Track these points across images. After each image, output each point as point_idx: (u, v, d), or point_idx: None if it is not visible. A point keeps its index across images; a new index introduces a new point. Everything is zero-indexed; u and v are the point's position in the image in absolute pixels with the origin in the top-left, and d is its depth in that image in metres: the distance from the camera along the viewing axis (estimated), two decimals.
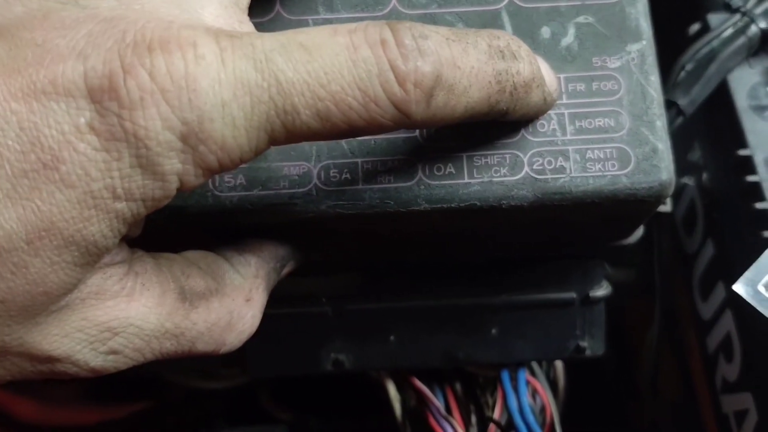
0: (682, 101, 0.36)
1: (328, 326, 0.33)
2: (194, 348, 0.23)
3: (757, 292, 0.29)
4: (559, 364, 0.38)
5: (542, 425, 0.36)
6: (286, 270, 0.27)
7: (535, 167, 0.24)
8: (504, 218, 0.25)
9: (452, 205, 0.24)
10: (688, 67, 0.36)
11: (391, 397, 0.35)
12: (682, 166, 0.40)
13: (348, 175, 0.24)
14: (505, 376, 0.34)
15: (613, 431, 0.43)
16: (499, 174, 0.24)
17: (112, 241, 0.20)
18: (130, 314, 0.22)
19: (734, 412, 0.34)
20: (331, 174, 0.24)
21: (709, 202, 0.37)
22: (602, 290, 0.33)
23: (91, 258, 0.20)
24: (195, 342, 0.23)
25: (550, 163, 0.24)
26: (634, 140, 0.24)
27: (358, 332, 0.33)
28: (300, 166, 0.24)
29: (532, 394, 0.36)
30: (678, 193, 0.41)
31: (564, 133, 0.24)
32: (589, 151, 0.24)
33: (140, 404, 0.56)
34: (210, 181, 0.24)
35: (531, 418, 0.32)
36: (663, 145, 0.24)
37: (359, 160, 0.24)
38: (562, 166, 0.24)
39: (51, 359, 0.21)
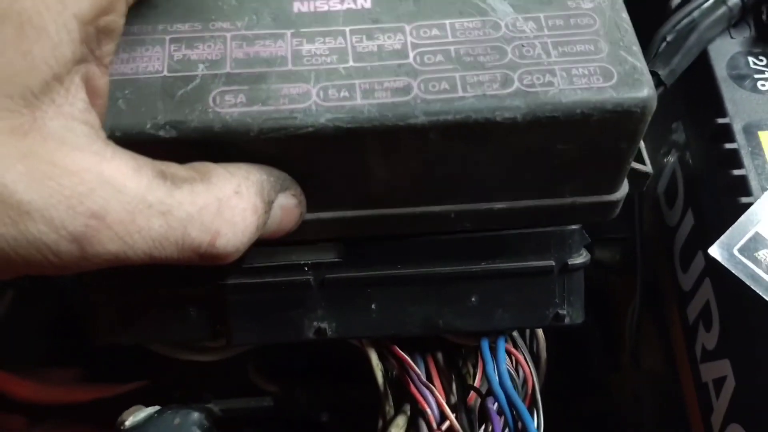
0: (663, 72, 0.36)
1: (310, 295, 0.34)
2: (187, 234, 0.23)
3: (732, 256, 0.30)
4: (541, 336, 0.39)
5: (524, 396, 0.36)
6: (284, 199, 0.27)
7: (525, 82, 0.26)
8: (497, 138, 0.26)
9: (448, 118, 0.25)
10: (669, 37, 0.37)
11: (373, 365, 0.36)
12: (663, 145, 0.40)
13: (346, 93, 0.26)
14: (485, 344, 0.34)
15: (595, 402, 0.43)
16: (491, 88, 0.26)
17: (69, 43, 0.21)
18: (104, 173, 0.21)
19: (713, 380, 0.35)
20: (330, 92, 0.26)
21: (689, 174, 0.38)
22: (581, 258, 0.33)
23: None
24: (186, 226, 0.23)
25: (539, 79, 0.26)
26: (614, 60, 0.26)
27: (340, 301, 0.34)
28: (299, 87, 0.26)
29: (514, 365, 0.37)
30: (660, 170, 0.42)
31: (549, 56, 0.26)
32: (574, 69, 0.26)
33: (132, 384, 0.56)
34: (211, 98, 0.26)
35: (509, 386, 0.32)
36: (641, 65, 0.26)
37: (357, 81, 0.26)
38: (551, 81, 0.26)
39: (23, 212, 0.20)
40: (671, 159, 0.39)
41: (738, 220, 0.31)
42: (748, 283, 0.30)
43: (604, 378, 0.43)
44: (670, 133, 0.39)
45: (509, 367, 0.36)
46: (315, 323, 0.34)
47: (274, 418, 0.43)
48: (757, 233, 0.31)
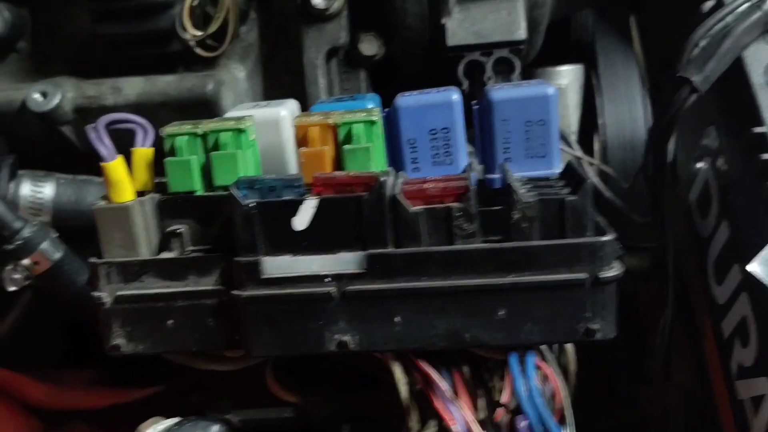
0: (696, 78, 0.35)
1: (331, 306, 0.33)
2: None
3: None
4: (570, 349, 0.37)
5: (552, 410, 0.35)
6: None
7: None
8: None
9: None
10: (702, 43, 0.35)
11: (397, 379, 0.34)
12: (695, 149, 0.39)
13: None
14: (514, 359, 0.33)
15: (624, 416, 0.42)
16: None
17: None
18: None
19: (751, 398, 0.33)
20: None
21: (723, 184, 0.36)
22: (613, 271, 0.32)
23: None
24: None
25: None
26: None
27: (363, 313, 0.33)
28: None
29: (542, 379, 0.36)
30: (692, 177, 0.40)
31: None
32: None
33: (148, 389, 0.56)
34: None
35: (540, 402, 0.31)
36: None
37: None
38: None
39: None
40: (704, 165, 0.38)
41: None
42: None
43: (633, 391, 0.42)
44: (702, 138, 0.38)
45: (537, 381, 0.35)
46: (337, 336, 0.33)
47: (294, 430, 0.42)
48: None
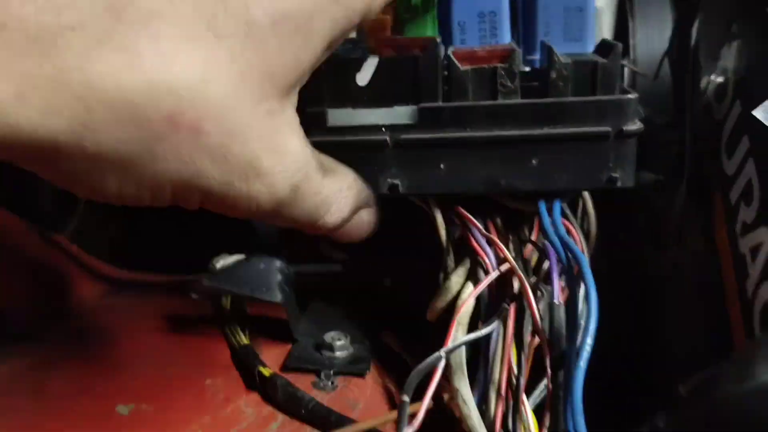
0: None
1: (385, 153, 0.37)
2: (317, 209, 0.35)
3: None
4: (591, 212, 0.42)
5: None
6: (365, 214, 0.39)
7: None
8: None
9: None
10: None
11: (438, 223, 0.39)
12: (720, 38, 0.43)
13: None
14: (542, 204, 0.38)
15: (636, 274, 0.46)
16: None
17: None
18: (308, 160, 0.33)
19: (750, 249, 0.37)
20: None
21: (740, 66, 0.40)
22: (635, 126, 0.36)
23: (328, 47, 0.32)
24: (323, 204, 0.35)
25: None
26: None
27: (412, 160, 0.38)
28: None
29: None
30: (714, 65, 0.44)
31: None
32: None
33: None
34: None
35: (564, 233, 0.36)
36: None
37: None
38: None
39: (256, 173, 0.30)
40: (726, 51, 0.41)
41: None
42: None
43: (647, 252, 0.46)
44: (727, 27, 0.41)
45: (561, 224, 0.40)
46: (389, 180, 0.38)
47: (341, 285, 0.47)
48: None
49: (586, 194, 0.42)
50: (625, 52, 0.61)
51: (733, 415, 0.22)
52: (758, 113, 0.33)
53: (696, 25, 0.42)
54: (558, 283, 0.34)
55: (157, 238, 0.62)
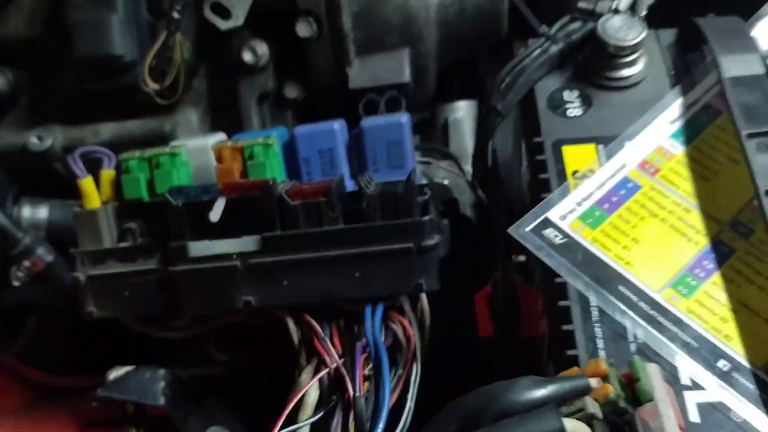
0: (500, 105, 0.48)
1: (238, 276, 0.46)
2: None
3: (525, 233, 0.41)
4: (426, 307, 0.50)
5: (409, 352, 0.47)
6: None
7: None
8: None
9: None
10: (507, 79, 0.49)
11: (290, 329, 0.47)
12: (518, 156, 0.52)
13: None
14: (368, 309, 0.46)
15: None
16: None
17: None
18: None
19: (543, 333, 0.45)
20: None
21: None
22: (433, 241, 0.45)
23: None
24: None
25: None
26: None
27: (260, 279, 0.46)
28: None
29: (402, 330, 0.48)
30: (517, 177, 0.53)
31: None
32: None
33: None
34: None
35: (379, 336, 0.44)
36: None
37: None
38: None
39: None
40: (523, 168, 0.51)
41: (533, 209, 0.42)
42: (535, 253, 0.41)
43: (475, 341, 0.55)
44: (520, 149, 0.51)
45: (397, 330, 0.48)
46: (243, 297, 0.46)
47: (229, 386, 0.55)
48: (546, 218, 0.42)
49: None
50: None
51: None
52: (511, 231, 0.42)
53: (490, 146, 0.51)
54: (360, 375, 0.42)
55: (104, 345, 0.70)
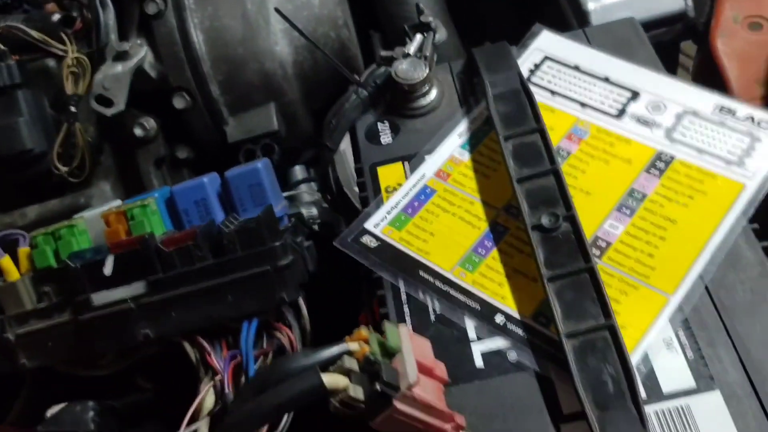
0: (329, 143, 0.59)
1: (135, 314, 0.56)
2: None
3: (347, 242, 0.52)
4: (305, 313, 0.60)
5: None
6: None
7: None
8: None
9: None
10: (333, 121, 0.60)
11: (187, 350, 0.57)
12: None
13: None
14: (245, 324, 0.56)
15: None
16: None
17: None
18: None
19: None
20: None
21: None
22: (286, 261, 0.55)
23: None
24: None
25: None
26: None
27: (152, 315, 0.56)
28: None
29: (287, 336, 0.58)
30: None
31: None
32: None
33: None
34: None
35: (251, 347, 0.54)
36: None
37: None
38: None
39: None
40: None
41: (353, 222, 0.53)
42: (355, 257, 0.51)
43: None
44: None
45: (282, 337, 0.58)
46: (141, 331, 0.56)
47: (161, 408, 0.65)
48: (363, 227, 0.53)
49: (300, 301, 0.60)
50: None
51: None
52: (336, 243, 0.52)
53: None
54: (228, 377, 0.52)
55: None
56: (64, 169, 0.71)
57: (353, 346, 0.39)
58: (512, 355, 0.46)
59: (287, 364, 0.37)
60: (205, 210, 0.61)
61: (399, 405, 0.35)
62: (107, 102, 0.68)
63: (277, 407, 0.35)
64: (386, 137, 0.57)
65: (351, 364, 0.37)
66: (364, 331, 0.39)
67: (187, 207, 0.61)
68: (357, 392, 0.36)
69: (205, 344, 0.57)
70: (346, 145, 0.85)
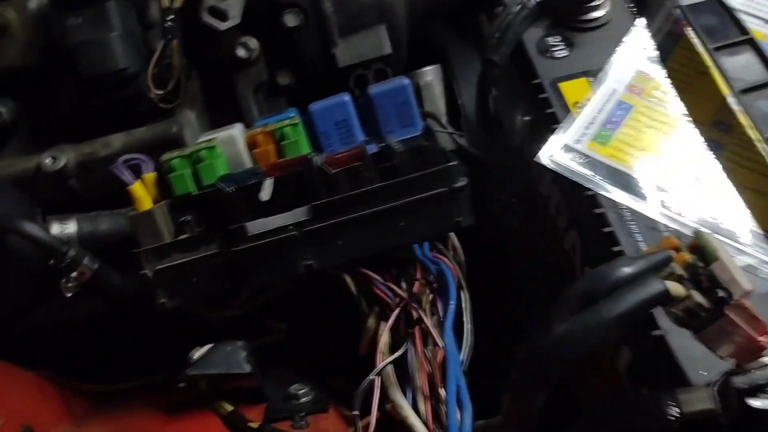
0: (496, 58, 0.55)
1: (297, 243, 0.51)
2: None
3: (552, 159, 0.48)
4: (458, 246, 0.57)
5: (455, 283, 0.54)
6: None
7: None
8: None
9: None
10: (497, 35, 0.55)
11: (348, 282, 0.53)
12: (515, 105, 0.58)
13: None
14: (416, 248, 0.52)
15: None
16: None
17: None
18: None
19: (570, 246, 0.52)
20: None
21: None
22: (462, 182, 0.51)
23: None
24: None
25: None
26: None
27: (316, 244, 0.51)
28: None
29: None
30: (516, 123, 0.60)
31: None
32: None
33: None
34: None
35: (431, 257, 0.50)
36: None
37: None
38: None
39: None
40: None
41: (549, 139, 0.49)
42: (565, 174, 0.48)
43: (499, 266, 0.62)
44: (515, 90, 0.57)
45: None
46: (304, 262, 0.51)
47: (289, 348, 0.60)
48: (565, 144, 0.49)
49: (451, 234, 0.57)
50: (457, 111, 0.77)
51: (546, 356, 0.35)
52: (538, 159, 0.48)
53: (491, 95, 0.58)
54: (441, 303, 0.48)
55: (125, 350, 0.73)
56: (157, 92, 0.64)
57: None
58: (765, 272, 0.43)
59: (617, 269, 0.34)
60: (347, 132, 0.56)
61: (731, 314, 0.32)
62: (221, 15, 0.61)
63: (619, 317, 0.32)
64: (561, 51, 0.54)
65: (680, 270, 0.34)
66: (674, 240, 0.35)
67: (328, 129, 0.56)
68: (701, 299, 0.32)
69: (373, 275, 0.52)
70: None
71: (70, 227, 0.65)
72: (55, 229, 0.64)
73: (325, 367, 0.58)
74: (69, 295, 0.58)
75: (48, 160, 0.65)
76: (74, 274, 0.58)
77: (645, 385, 0.41)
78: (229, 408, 0.53)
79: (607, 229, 0.45)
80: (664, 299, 0.33)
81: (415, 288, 0.52)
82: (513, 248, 0.61)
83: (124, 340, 0.69)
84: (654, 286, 0.32)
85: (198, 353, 0.53)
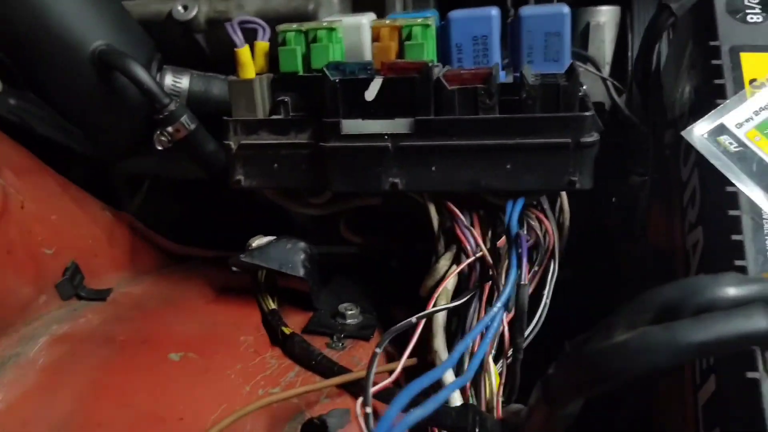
0: (675, 6, 0.45)
1: (387, 157, 0.46)
2: None
3: (700, 138, 0.40)
4: (566, 208, 0.49)
5: (546, 249, 0.47)
6: None
7: None
8: None
9: None
10: None
11: (431, 215, 0.48)
12: (682, 62, 0.49)
13: None
14: (509, 203, 0.45)
15: (608, 263, 0.54)
16: None
17: None
18: None
19: (692, 245, 0.44)
20: None
21: (692, 90, 0.47)
22: (592, 138, 0.43)
23: None
24: None
25: None
26: None
27: (409, 163, 0.46)
28: None
29: (543, 230, 0.48)
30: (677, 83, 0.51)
31: None
32: None
33: None
34: None
35: (516, 224, 0.43)
36: None
37: None
38: None
39: None
40: (685, 73, 0.48)
41: (707, 114, 0.40)
42: (708, 158, 0.39)
43: (618, 245, 0.54)
44: (686, 52, 0.48)
45: (535, 227, 0.48)
46: (390, 179, 0.46)
47: (358, 267, 0.56)
48: (722, 124, 0.40)
49: (563, 193, 0.50)
50: (626, 64, 0.68)
51: (595, 364, 0.29)
52: (685, 134, 0.40)
53: (657, 48, 0.48)
54: (526, 266, 0.42)
55: (208, 220, 0.73)
56: None
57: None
58: None
59: (718, 287, 0.26)
60: (483, 50, 0.49)
61: None
62: None
63: (700, 346, 0.25)
64: (755, 15, 0.44)
65: None
66: None
67: (462, 42, 0.49)
68: None
69: (459, 213, 0.47)
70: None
71: (183, 82, 0.63)
72: (168, 80, 0.62)
73: (390, 296, 0.54)
74: (160, 148, 0.57)
75: (179, 8, 0.63)
76: (170, 128, 0.57)
77: (719, 426, 0.34)
78: (272, 306, 0.50)
79: (736, 237, 0.37)
80: (759, 341, 0.25)
81: (501, 242, 0.46)
82: (636, 231, 0.53)
83: (208, 210, 0.68)
84: (757, 322, 0.25)
85: (257, 242, 0.50)
